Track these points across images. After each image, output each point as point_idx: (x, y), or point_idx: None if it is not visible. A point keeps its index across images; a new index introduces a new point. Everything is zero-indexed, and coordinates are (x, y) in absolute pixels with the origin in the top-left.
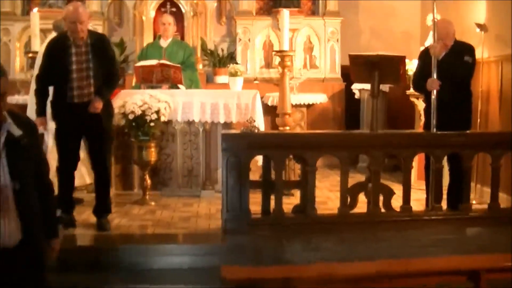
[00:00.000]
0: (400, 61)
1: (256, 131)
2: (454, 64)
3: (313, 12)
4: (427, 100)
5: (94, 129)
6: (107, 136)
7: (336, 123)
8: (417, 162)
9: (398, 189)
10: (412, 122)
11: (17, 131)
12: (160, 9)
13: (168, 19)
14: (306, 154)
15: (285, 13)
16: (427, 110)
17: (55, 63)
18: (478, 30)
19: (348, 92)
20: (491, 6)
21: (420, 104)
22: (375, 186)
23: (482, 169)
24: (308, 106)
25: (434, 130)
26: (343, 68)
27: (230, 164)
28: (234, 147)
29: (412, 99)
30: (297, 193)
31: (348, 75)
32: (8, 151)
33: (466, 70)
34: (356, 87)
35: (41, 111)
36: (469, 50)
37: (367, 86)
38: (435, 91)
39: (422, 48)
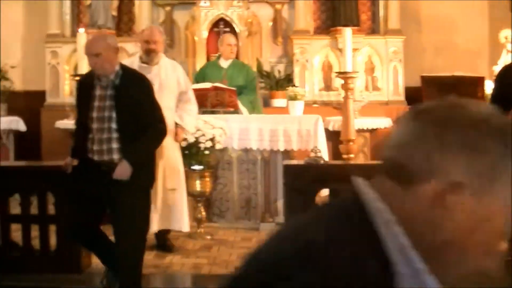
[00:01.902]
0: (478, 82)
1: (321, 161)
2: None
3: (373, 31)
4: None
5: (115, 200)
6: (133, 212)
7: None
8: None
9: None
10: None
11: None
12: (213, 29)
13: (232, 39)
14: None
15: (347, 31)
16: None
17: (80, 105)
18: None
19: None
20: None
21: None
22: None
23: None
24: (371, 131)
25: None
26: (407, 90)
27: (293, 199)
28: (298, 180)
29: None
30: None
31: (412, 97)
32: None
33: None
34: None
35: (72, 153)
36: None
37: None
38: None
39: (495, 68)
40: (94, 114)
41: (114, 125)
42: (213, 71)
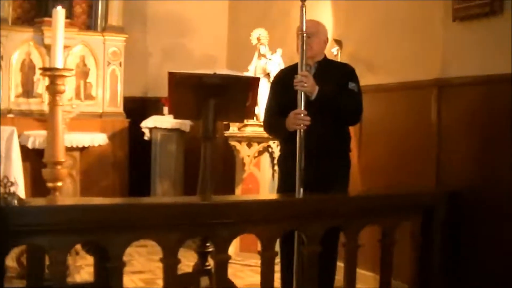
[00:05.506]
0: (252, 85)
1: (14, 201)
2: (335, 94)
3: (89, 27)
4: (284, 146)
5: None
6: None
7: (118, 171)
8: None
9: None
10: (229, 175)
11: None
12: None
13: None
14: (109, 240)
15: (58, 11)
16: (285, 161)
17: None
18: (335, 49)
19: (135, 132)
20: (343, 18)
21: (244, 150)
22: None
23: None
24: (82, 149)
25: (301, 192)
26: (127, 100)
27: None
28: None
29: (233, 142)
30: None
31: (132, 109)
32: None
33: (355, 102)
34: (146, 125)
35: None
36: (352, 73)
37: (162, 124)
38: (302, 131)
39: (246, 74)
40: None
41: None
42: None
